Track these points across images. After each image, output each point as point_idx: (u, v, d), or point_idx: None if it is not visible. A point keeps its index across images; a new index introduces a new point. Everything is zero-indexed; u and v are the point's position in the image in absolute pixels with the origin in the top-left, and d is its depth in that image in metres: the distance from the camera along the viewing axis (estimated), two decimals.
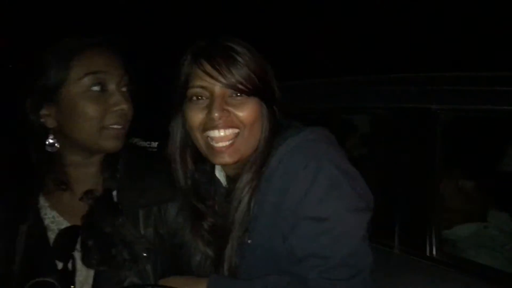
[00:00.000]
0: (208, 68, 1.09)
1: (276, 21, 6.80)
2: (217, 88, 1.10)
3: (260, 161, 1.13)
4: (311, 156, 1.06)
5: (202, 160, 1.22)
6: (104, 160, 1.24)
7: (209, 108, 1.10)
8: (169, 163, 1.24)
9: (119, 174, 1.23)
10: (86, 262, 1.13)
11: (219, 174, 1.27)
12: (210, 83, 1.10)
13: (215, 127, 1.11)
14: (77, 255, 1.14)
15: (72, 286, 1.13)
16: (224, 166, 1.23)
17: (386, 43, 6.12)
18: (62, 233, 1.16)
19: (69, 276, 1.13)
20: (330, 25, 6.72)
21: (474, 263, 1.76)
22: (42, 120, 1.18)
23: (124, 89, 1.19)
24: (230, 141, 1.12)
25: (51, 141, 1.19)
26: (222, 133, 1.11)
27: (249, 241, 1.13)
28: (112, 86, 1.17)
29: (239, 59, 1.09)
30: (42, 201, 1.21)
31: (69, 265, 1.14)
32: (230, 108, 1.10)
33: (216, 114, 1.09)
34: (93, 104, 1.14)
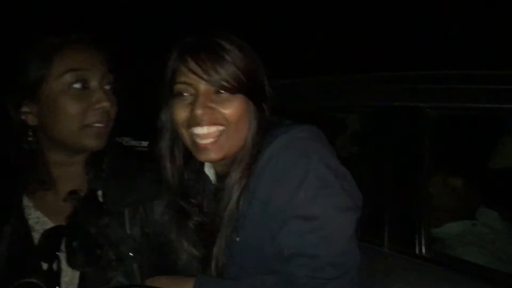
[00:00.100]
0: (193, 65, 1.08)
1: (269, 19, 6.80)
2: (201, 85, 1.09)
3: (249, 159, 1.12)
4: (301, 154, 1.06)
5: (192, 157, 1.21)
6: (88, 159, 1.22)
7: (193, 105, 1.09)
8: (156, 162, 1.23)
9: (104, 173, 1.22)
10: (71, 263, 1.11)
11: (208, 171, 1.26)
12: (194, 80, 1.09)
13: (199, 124, 1.10)
14: (62, 255, 1.12)
15: (57, 287, 1.11)
16: (213, 163, 1.22)
17: (378, 41, 6.14)
18: (47, 233, 1.14)
19: (54, 277, 1.11)
20: (321, 23, 6.74)
21: (463, 261, 1.76)
22: (23, 117, 1.16)
23: (107, 87, 1.18)
24: (215, 138, 1.11)
25: (30, 139, 1.17)
26: (206, 130, 1.10)
27: (237, 239, 1.12)
28: (94, 84, 1.15)
29: (226, 56, 1.08)
30: (26, 201, 1.20)
31: (54, 266, 1.12)
32: (214, 105, 1.09)
33: (199, 111, 1.08)
34: (74, 102, 1.13)
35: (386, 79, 1.95)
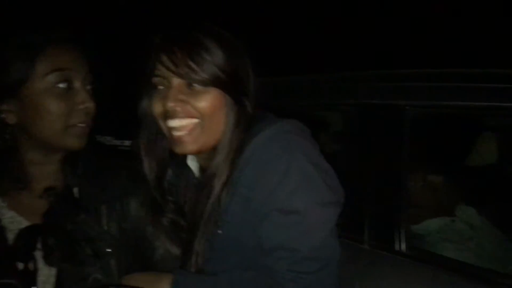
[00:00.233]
0: (165, 58, 1.08)
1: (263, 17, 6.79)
2: (173, 79, 1.09)
3: (230, 151, 1.12)
4: (284, 148, 1.06)
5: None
6: (64, 157, 1.21)
7: (166, 98, 1.10)
8: (135, 159, 1.22)
9: (80, 170, 1.20)
10: (48, 260, 1.10)
11: (191, 163, 1.25)
12: (167, 74, 1.09)
13: (172, 117, 1.10)
14: (38, 254, 1.11)
15: (33, 287, 1.09)
16: (196, 156, 1.22)
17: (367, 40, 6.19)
18: (22, 233, 1.12)
19: (30, 276, 1.09)
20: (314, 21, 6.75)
21: (441, 257, 1.78)
22: (2, 116, 1.14)
23: (88, 87, 1.17)
24: (189, 131, 1.11)
25: (6, 137, 1.15)
26: (178, 122, 1.11)
27: (219, 232, 1.11)
28: (77, 84, 1.14)
29: (199, 49, 1.08)
30: None
31: (30, 266, 1.10)
32: (187, 98, 1.09)
33: (170, 104, 1.09)
34: (59, 102, 1.11)
35: (366, 77, 1.96)
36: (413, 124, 1.72)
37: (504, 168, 2.50)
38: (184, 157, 1.25)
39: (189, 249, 1.15)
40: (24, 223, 1.16)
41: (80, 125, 1.15)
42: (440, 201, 2.11)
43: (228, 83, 1.10)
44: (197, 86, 1.09)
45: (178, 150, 1.14)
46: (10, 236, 1.13)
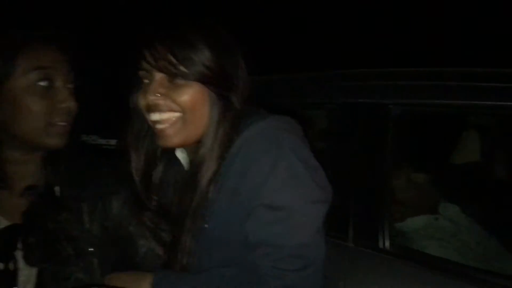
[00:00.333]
0: (147, 52, 1.08)
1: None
2: (155, 73, 1.09)
3: (215, 145, 1.11)
4: (273, 143, 1.05)
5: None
6: (46, 156, 1.19)
7: (148, 92, 1.10)
8: (118, 158, 1.22)
9: (62, 169, 1.19)
10: (28, 260, 1.09)
11: (180, 155, 1.24)
12: (149, 67, 1.09)
13: (154, 110, 1.11)
14: (19, 254, 1.10)
15: (14, 287, 1.08)
16: (186, 149, 1.21)
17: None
18: (2, 232, 1.11)
19: (11, 276, 1.08)
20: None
21: (425, 254, 1.80)
22: None
23: (70, 85, 1.16)
24: (170, 124, 1.11)
25: None
26: (158, 116, 1.11)
27: (206, 226, 1.11)
28: (59, 83, 1.13)
29: (182, 44, 1.07)
30: None
31: (11, 265, 1.09)
32: (167, 92, 1.09)
33: (150, 98, 1.09)
34: (40, 100, 1.10)
35: (350, 76, 1.97)
36: (397, 122, 1.73)
37: (487, 166, 2.53)
38: (173, 150, 1.24)
39: (175, 246, 1.14)
40: (4, 222, 1.14)
41: (60, 123, 1.14)
42: (424, 198, 2.13)
43: (212, 79, 1.09)
44: (178, 80, 1.09)
45: (161, 143, 1.14)
46: None
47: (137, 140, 1.21)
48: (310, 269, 1.02)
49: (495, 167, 2.56)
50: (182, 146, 1.16)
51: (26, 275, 1.11)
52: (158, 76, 1.09)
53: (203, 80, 1.09)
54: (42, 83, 1.11)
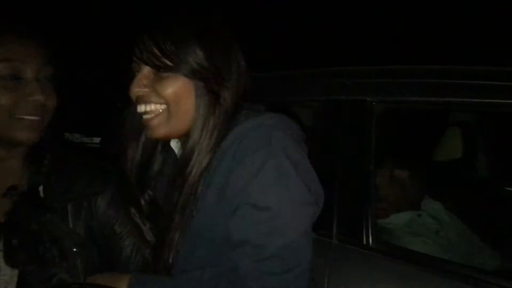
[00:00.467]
0: (136, 45, 1.10)
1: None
2: (142, 65, 1.10)
3: (203, 139, 1.10)
4: (263, 141, 1.03)
5: None
6: (28, 154, 1.18)
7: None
8: (104, 156, 1.21)
9: (46, 168, 1.18)
10: (10, 262, 1.07)
11: (175, 147, 1.24)
12: (137, 60, 1.11)
13: (139, 102, 1.12)
14: (0, 254, 1.08)
15: None
16: (180, 141, 1.21)
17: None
18: None
19: None
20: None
21: (408, 250, 1.81)
22: None
23: (43, 80, 1.14)
24: (155, 116, 1.12)
25: None
26: (143, 108, 1.12)
27: (193, 219, 1.09)
28: (29, 76, 1.11)
29: (169, 38, 1.08)
30: None
31: None
32: (151, 84, 1.10)
33: (134, 89, 1.11)
34: (5, 93, 1.08)
35: (334, 73, 1.97)
36: (380, 119, 1.74)
37: (469, 163, 2.56)
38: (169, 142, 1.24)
39: (162, 241, 1.14)
40: None
41: (28, 117, 1.12)
42: (407, 195, 2.15)
43: (197, 73, 1.09)
44: (164, 73, 1.09)
45: (148, 134, 1.15)
46: None
47: (136, 131, 1.22)
48: (291, 274, 0.99)
49: (477, 164, 2.59)
50: (169, 137, 1.16)
51: (8, 275, 1.09)
52: (145, 68, 1.10)
53: (187, 73, 1.08)
54: (8, 76, 1.09)
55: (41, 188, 1.17)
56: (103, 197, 1.21)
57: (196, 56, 1.08)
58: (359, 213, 1.70)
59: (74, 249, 1.12)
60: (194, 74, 1.08)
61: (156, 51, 1.07)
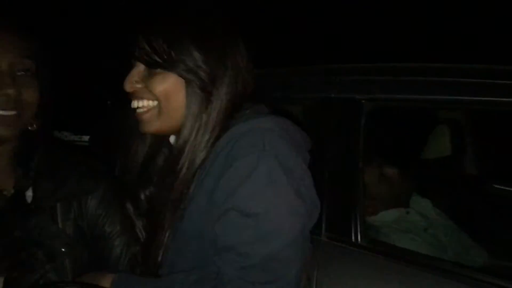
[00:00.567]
0: (133, 42, 1.11)
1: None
2: (137, 61, 1.12)
3: (193, 137, 1.09)
4: (256, 145, 0.99)
5: None
6: (14, 154, 1.16)
7: None
8: (93, 155, 1.21)
9: (33, 171, 1.16)
10: None
11: (173, 141, 1.22)
12: (133, 57, 1.13)
13: (132, 97, 1.14)
14: None
15: None
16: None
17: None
18: None
19: None
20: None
21: (396, 247, 1.82)
22: None
23: (19, 73, 1.11)
24: (146, 111, 1.13)
25: None
26: (136, 103, 1.13)
27: (183, 220, 1.08)
28: (3, 68, 1.09)
29: (161, 34, 1.08)
30: None
31: None
32: (144, 81, 1.11)
33: (126, 85, 1.12)
34: None
35: (323, 71, 1.97)
36: (369, 117, 1.74)
37: (458, 161, 2.57)
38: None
39: (152, 241, 1.13)
40: None
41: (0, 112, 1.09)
42: (396, 193, 2.16)
43: (190, 71, 1.08)
44: (155, 70, 1.09)
45: (140, 128, 1.16)
46: None
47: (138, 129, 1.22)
48: (276, 284, 0.95)
49: (465, 162, 2.61)
50: (161, 133, 1.16)
51: None
52: (139, 65, 1.12)
53: (178, 71, 1.08)
54: None
55: (29, 191, 1.15)
56: (93, 196, 1.20)
57: (188, 55, 1.07)
58: (348, 210, 1.71)
59: (63, 249, 1.11)
60: (185, 72, 1.08)
61: (147, 48, 1.07)
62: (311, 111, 1.96)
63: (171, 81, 1.09)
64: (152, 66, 1.09)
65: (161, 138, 1.23)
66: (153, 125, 1.13)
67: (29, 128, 1.16)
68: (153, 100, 1.11)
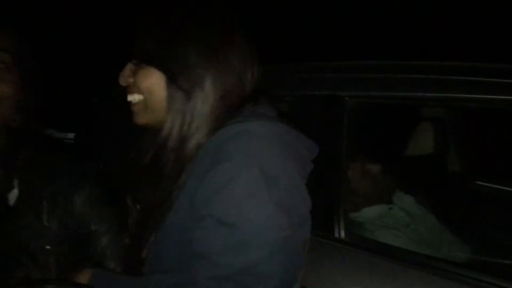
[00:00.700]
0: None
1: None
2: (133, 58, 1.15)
3: (174, 137, 1.07)
4: (240, 151, 0.94)
5: None
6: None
7: None
8: (79, 152, 1.20)
9: (17, 173, 1.15)
10: None
11: None
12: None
13: (127, 92, 1.16)
14: None
15: None
16: None
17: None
18: None
19: None
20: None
21: (379, 243, 1.84)
22: None
23: (1, 65, 1.11)
24: (136, 104, 1.15)
25: None
26: (129, 97, 1.15)
27: (165, 220, 1.06)
28: None
29: (150, 32, 1.10)
30: None
31: None
32: (134, 76, 1.13)
33: (120, 80, 1.15)
34: None
35: (307, 69, 1.98)
36: (352, 114, 1.75)
37: (441, 158, 2.60)
38: None
39: (138, 238, 1.13)
40: None
41: None
42: (379, 189, 2.18)
43: (171, 69, 1.08)
44: (143, 66, 1.11)
45: (133, 120, 1.18)
46: None
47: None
48: None
49: (448, 159, 2.64)
50: (151, 126, 1.16)
51: None
52: (134, 60, 1.14)
53: (162, 68, 1.08)
54: None
55: (13, 192, 1.13)
56: (80, 194, 1.20)
57: (175, 53, 1.07)
58: (331, 206, 1.72)
59: (48, 247, 1.11)
60: (165, 68, 1.08)
61: (138, 44, 1.10)
62: (295, 108, 1.97)
63: (155, 77, 1.09)
64: (140, 62, 1.11)
65: None
66: (142, 118, 1.15)
67: (11, 125, 1.14)
68: (140, 94, 1.13)
